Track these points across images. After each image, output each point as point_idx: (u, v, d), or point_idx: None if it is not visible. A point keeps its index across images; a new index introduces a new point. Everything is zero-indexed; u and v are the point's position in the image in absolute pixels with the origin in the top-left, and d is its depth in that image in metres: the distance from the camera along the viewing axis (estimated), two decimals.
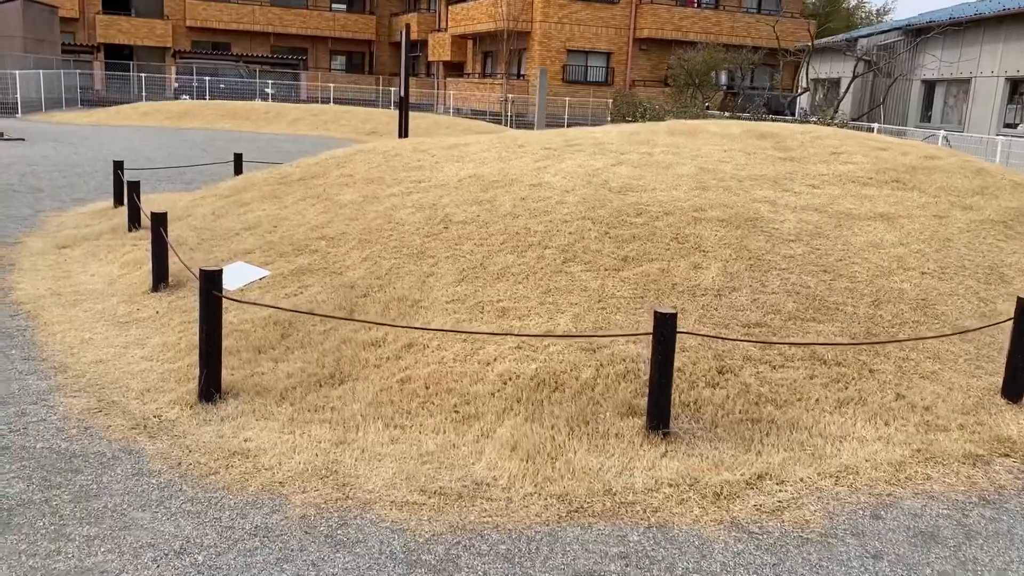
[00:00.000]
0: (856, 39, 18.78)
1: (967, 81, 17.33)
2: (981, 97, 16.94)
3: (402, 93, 14.34)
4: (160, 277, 6.53)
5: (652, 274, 5.56)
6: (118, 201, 10.12)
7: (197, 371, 4.93)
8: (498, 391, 4.57)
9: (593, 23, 36.26)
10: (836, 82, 19.23)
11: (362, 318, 5.44)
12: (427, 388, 4.67)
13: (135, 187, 8.24)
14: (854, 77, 18.49)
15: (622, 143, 8.23)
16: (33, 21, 30.83)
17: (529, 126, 33.84)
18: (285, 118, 27.50)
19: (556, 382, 4.63)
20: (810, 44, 19.15)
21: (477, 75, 41.33)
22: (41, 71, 29.78)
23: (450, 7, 41.89)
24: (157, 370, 5.08)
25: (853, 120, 17.69)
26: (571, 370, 4.70)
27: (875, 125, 16.14)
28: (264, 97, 35.88)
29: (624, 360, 4.75)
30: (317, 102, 36.39)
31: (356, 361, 5.02)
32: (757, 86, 26.60)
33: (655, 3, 36.43)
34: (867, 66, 18.92)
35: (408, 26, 13.55)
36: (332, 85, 39.72)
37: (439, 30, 45.52)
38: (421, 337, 5.15)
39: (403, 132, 13.81)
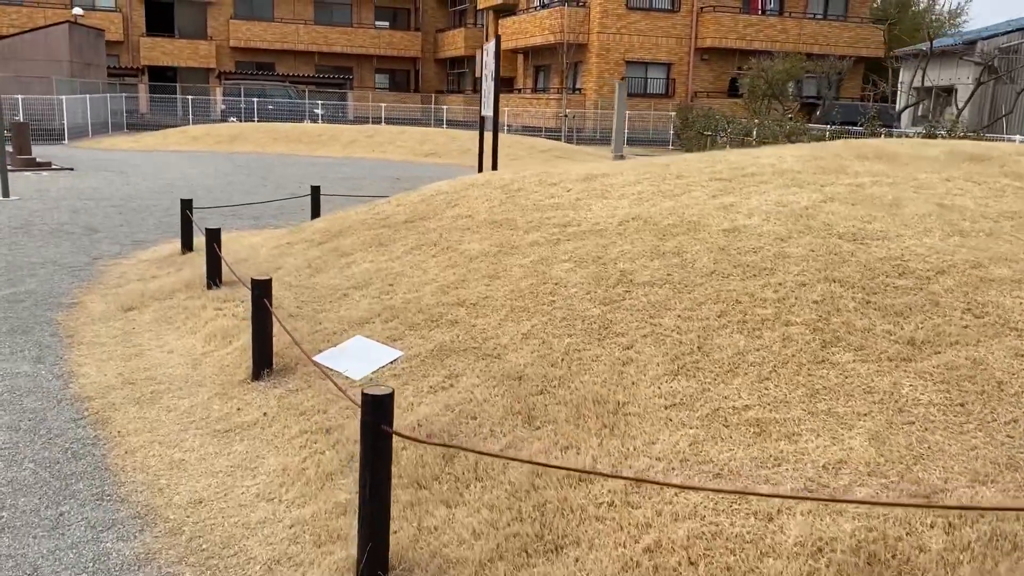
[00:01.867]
0: (975, 42, 17.08)
1: None
2: None
3: (488, 111, 12.89)
4: (263, 361, 5.07)
5: (960, 366, 3.96)
6: (186, 246, 8.75)
7: (340, 522, 3.44)
8: (812, 574, 3.00)
9: (653, 33, 34.73)
10: (947, 90, 17.48)
11: (598, 470, 3.91)
12: (693, 564, 3.12)
13: (215, 235, 6.82)
14: (979, 84, 16.72)
15: (809, 170, 6.64)
16: (80, 45, 30.03)
17: (588, 142, 32.34)
18: (339, 140, 26.28)
19: (893, 555, 3.05)
20: (927, 47, 17.38)
21: (529, 90, 39.97)
22: (88, 96, 28.92)
23: (500, 21, 40.63)
24: (283, 519, 3.58)
25: (972, 132, 15.93)
26: (907, 534, 3.12)
27: (1017, 137, 14.37)
28: (314, 119, 34.81)
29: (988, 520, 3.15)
30: (367, 122, 35.21)
31: (565, 508, 3.48)
32: (839, 97, 24.81)
33: (718, 11, 34.79)
34: (990, 71, 17.16)
35: (499, 37, 12.11)
36: (383, 105, 38.56)
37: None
38: (651, 466, 3.61)
39: (494, 161, 12.33)
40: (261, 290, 4.96)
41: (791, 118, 23.21)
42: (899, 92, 19.94)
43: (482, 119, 14.36)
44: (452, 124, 37.88)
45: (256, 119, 33.32)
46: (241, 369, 5.23)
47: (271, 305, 4.97)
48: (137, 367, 5.48)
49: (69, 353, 5.78)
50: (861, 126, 18.05)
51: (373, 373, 4.84)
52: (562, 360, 4.51)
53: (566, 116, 31.96)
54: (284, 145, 25.92)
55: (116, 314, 6.69)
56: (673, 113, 32.40)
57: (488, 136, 12.29)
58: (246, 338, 5.60)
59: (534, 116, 36.42)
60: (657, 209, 6.13)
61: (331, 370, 4.90)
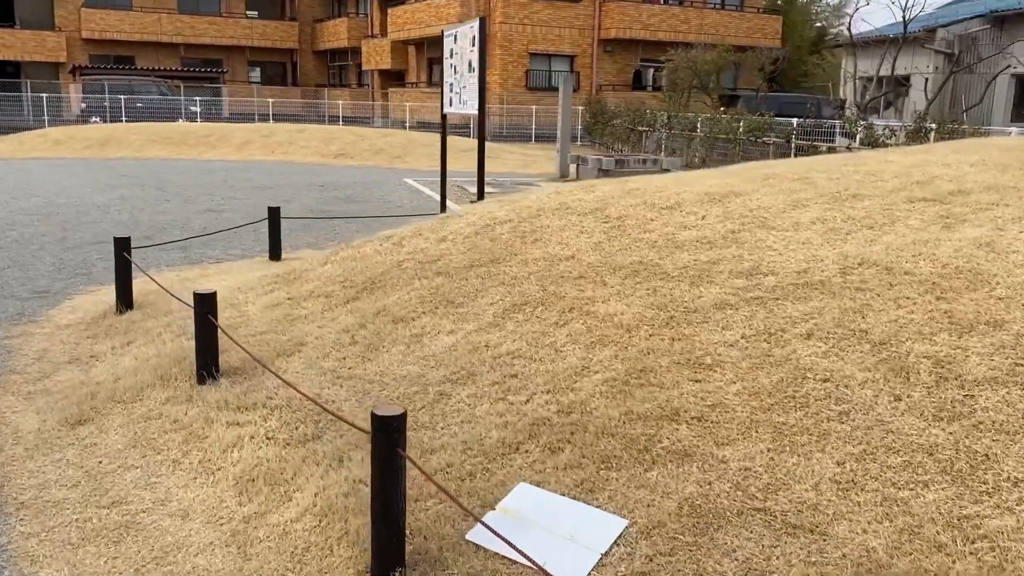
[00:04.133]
0: (935, 29, 16.36)
1: None
2: None
3: (454, 107, 10.81)
4: (389, 548, 2.91)
5: None
6: (124, 302, 6.29)
7: None
8: None
9: (556, 23, 33.21)
10: (900, 80, 16.66)
11: None
12: None
13: (207, 304, 4.53)
14: (952, 73, 15.96)
15: (986, 180, 5.00)
16: None
17: (496, 139, 30.42)
18: (229, 142, 23.30)
19: None
20: (899, 34, 16.38)
21: (424, 84, 37.68)
22: None
23: (390, 10, 38.11)
24: None
25: (903, 123, 15.12)
26: None
27: (1013, 129, 13.52)
28: (191, 117, 31.31)
29: None
30: (243, 120, 31.97)
31: None
32: (756, 89, 24.00)
33: (620, 0, 33.61)
34: (950, 60, 16.47)
35: (484, 20, 10.02)
36: (269, 100, 35.30)
37: (373, 36, 41.62)
38: None
39: (480, 177, 10.29)
40: (387, 432, 2.81)
41: (724, 110, 22.11)
42: (843, 82, 19.16)
43: (443, 117, 12.27)
44: (337, 121, 35.16)
45: (124, 119, 29.57)
46: (338, 558, 3.06)
47: (403, 451, 2.83)
48: (137, 561, 3.20)
49: (5, 537, 3.41)
50: (805, 118, 17.06)
51: (595, 571, 2.81)
52: (961, 545, 2.63)
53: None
54: (166, 148, 22.72)
55: (61, 434, 4.30)
56: (581, 108, 31.01)
57: (478, 139, 10.18)
58: (316, 484, 3.43)
59: (433, 111, 34.17)
60: (878, 248, 4.33)
61: (514, 563, 2.85)
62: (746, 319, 3.94)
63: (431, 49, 36.64)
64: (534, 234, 5.46)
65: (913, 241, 4.34)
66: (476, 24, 9.94)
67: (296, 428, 3.93)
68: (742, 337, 3.82)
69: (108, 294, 6.68)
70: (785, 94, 24.53)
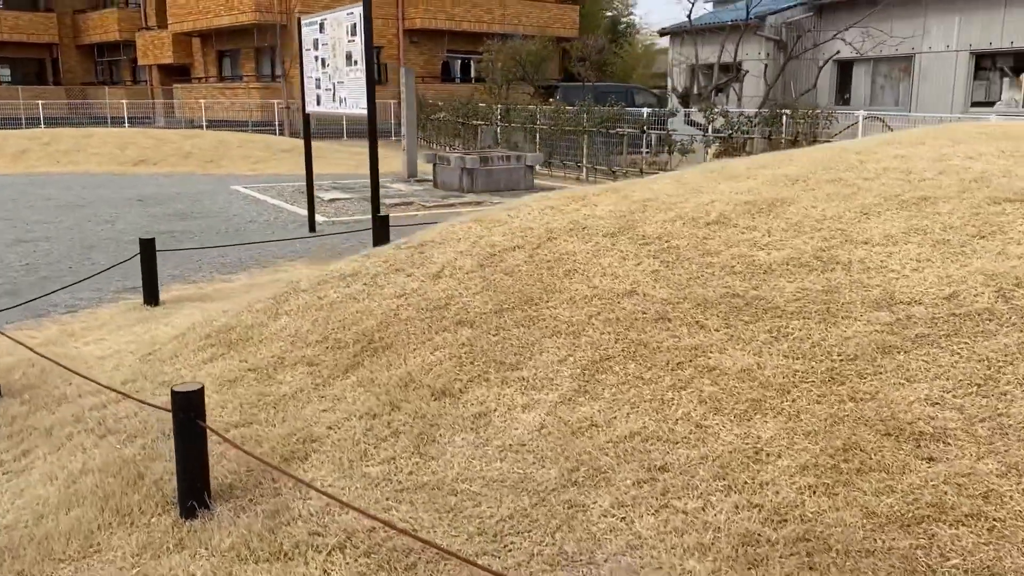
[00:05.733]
0: (765, 16, 16.73)
1: (907, 58, 15.92)
2: (933, 75, 15.60)
3: (323, 105, 9.47)
4: None
5: None
6: None
7: None
8: None
9: None
10: (729, 68, 16.94)
11: None
12: None
13: (193, 404, 3.16)
14: (788, 60, 16.34)
15: None
16: None
17: (314, 137, 28.40)
18: (3, 152, 19.95)
19: None
20: (741, 21, 16.51)
21: (214, 79, 34.75)
22: None
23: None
24: None
25: (759, 109, 15.49)
26: None
27: (886, 112, 13.91)
28: None
29: None
30: (15, 126, 27.89)
31: None
32: (582, 79, 23.92)
33: None
34: (779, 47, 16.92)
35: (368, 3, 8.66)
36: (40, 102, 30.92)
37: (149, 27, 37.81)
38: None
39: (374, 179, 9.05)
40: None
41: (552, 100, 21.79)
42: (671, 70, 19.36)
43: (306, 118, 10.81)
44: (107, 122, 31.59)
45: None
46: None
47: None
48: None
49: None
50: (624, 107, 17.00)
51: None
52: None
53: (287, 108, 27.81)
54: None
55: None
56: (393, 102, 29.74)
57: (370, 141, 8.84)
58: None
59: (230, 109, 31.55)
60: (1018, 264, 3.74)
61: None
62: (930, 365, 3.20)
63: (222, 41, 33.86)
64: (561, 264, 4.45)
65: None
66: (358, 10, 8.65)
67: None
68: (946, 391, 3.06)
69: None
70: (604, 84, 24.63)
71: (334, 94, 9.41)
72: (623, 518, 2.87)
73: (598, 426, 3.30)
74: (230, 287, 7.59)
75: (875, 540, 2.58)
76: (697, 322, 3.76)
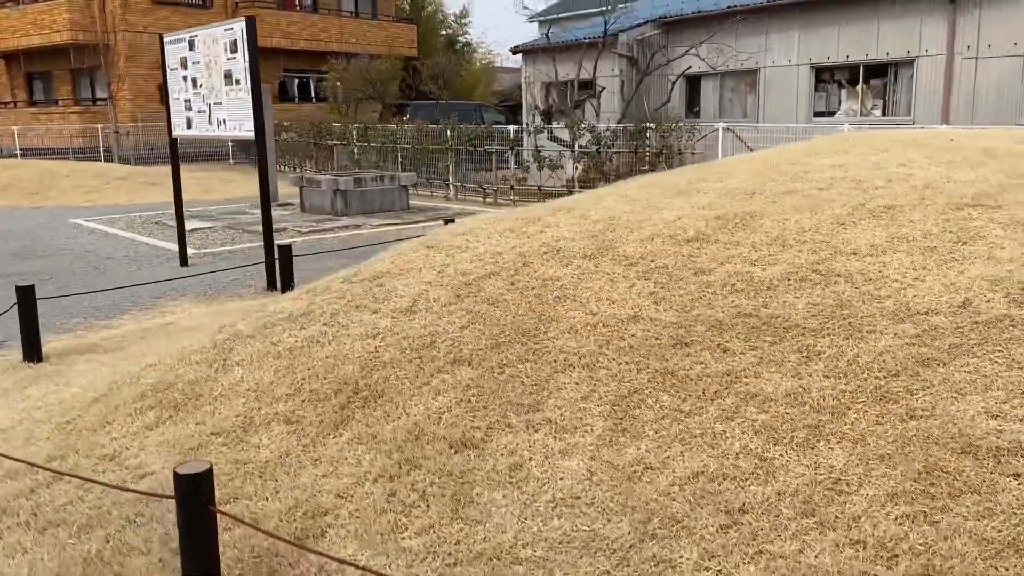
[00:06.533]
0: (617, 34, 17.06)
1: (753, 72, 16.69)
2: (778, 87, 16.41)
3: (201, 128, 8.76)
4: None
5: None
6: None
7: None
8: None
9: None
10: (586, 84, 17.22)
11: None
12: None
13: (203, 487, 2.64)
14: (644, 75, 16.68)
15: (976, 178, 4.86)
16: None
17: (135, 162, 26.53)
18: None
19: None
20: (599, 37, 16.68)
21: (23, 103, 31.87)
22: None
23: None
24: None
25: (626, 124, 15.89)
26: None
27: (720, 123, 14.35)
28: None
29: None
30: None
31: None
32: (436, 97, 23.74)
33: (256, 6, 31.32)
34: (631, 63, 17.31)
35: (252, 20, 7.93)
36: None
37: None
38: None
39: (264, 201, 8.37)
40: None
41: (406, 120, 21.44)
42: (526, 87, 19.45)
43: (173, 142, 9.92)
44: None
45: None
46: None
47: None
48: None
49: None
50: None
51: None
52: None
53: (117, 133, 25.77)
54: None
55: None
56: None
57: (259, 168, 8.17)
58: None
59: (46, 136, 28.97)
60: (1011, 268, 3.81)
61: None
62: (974, 375, 3.16)
63: (32, 62, 31.14)
64: (548, 290, 4.16)
65: None
66: (238, 25, 8.00)
67: None
68: (1001, 402, 3.02)
69: None
70: (457, 102, 24.54)
71: (210, 116, 8.67)
72: (719, 571, 2.62)
73: (653, 468, 3.04)
74: (117, 334, 6.76)
75: (998, 569, 2.46)
76: (719, 346, 3.58)
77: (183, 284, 8.87)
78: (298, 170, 21.45)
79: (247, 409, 3.80)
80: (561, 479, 3.06)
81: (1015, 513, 2.63)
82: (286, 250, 7.29)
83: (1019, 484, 2.72)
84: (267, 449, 3.52)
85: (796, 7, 15.63)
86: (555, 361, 3.66)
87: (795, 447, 3.02)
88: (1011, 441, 2.87)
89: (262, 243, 8.05)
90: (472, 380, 3.64)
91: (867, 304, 3.68)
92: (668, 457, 3.08)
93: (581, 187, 15.51)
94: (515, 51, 20.52)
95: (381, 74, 23.18)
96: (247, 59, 7.86)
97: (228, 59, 8.19)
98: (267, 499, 3.21)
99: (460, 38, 43.39)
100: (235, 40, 8.04)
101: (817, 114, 15.96)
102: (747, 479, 2.93)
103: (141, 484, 3.40)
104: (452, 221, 7.94)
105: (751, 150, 13.31)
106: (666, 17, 17.56)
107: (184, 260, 10.12)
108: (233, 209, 15.47)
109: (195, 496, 2.61)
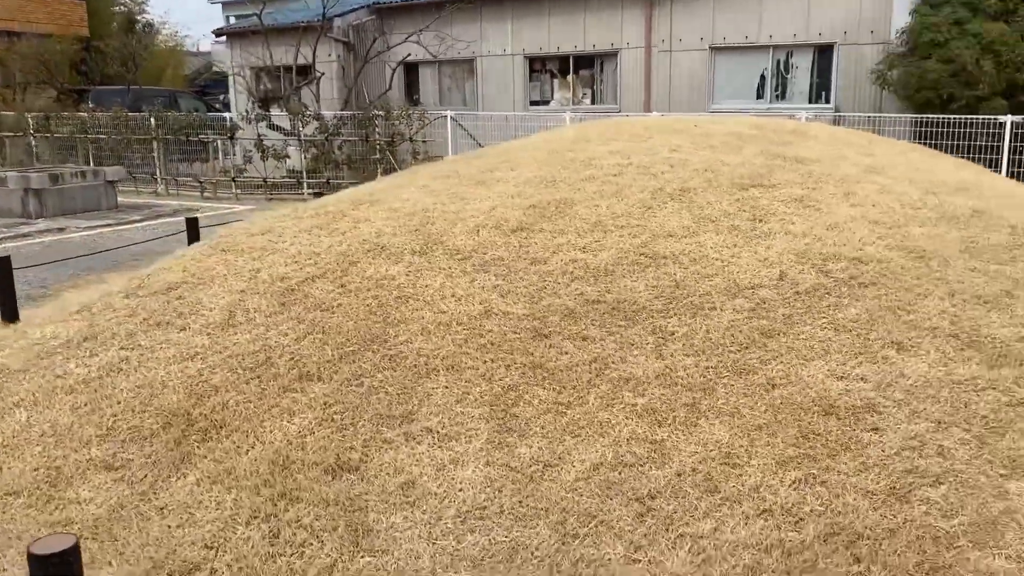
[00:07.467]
0: (332, 19, 16.42)
1: (470, 61, 16.85)
2: (494, 76, 16.71)
3: None
4: None
5: None
6: None
7: None
8: None
9: None
10: (303, 69, 16.53)
11: None
12: None
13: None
14: (365, 62, 16.16)
15: (737, 160, 5.40)
16: None
17: None
18: None
19: None
20: (302, 22, 15.76)
21: None
22: None
23: None
24: None
25: (349, 112, 15.56)
26: None
27: (448, 111, 14.31)
28: None
29: None
30: None
31: None
32: (128, 82, 21.49)
33: None
34: (348, 48, 16.79)
35: None
36: None
37: None
38: None
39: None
40: None
41: (90, 108, 19.23)
42: (234, 73, 18.20)
43: None
44: None
45: None
46: None
47: None
48: None
49: None
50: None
51: None
52: None
53: None
54: None
55: None
56: None
57: None
58: None
59: None
60: (814, 241, 4.21)
61: None
62: (812, 341, 3.45)
63: None
64: (385, 290, 3.90)
65: (836, 224, 4.33)
66: None
67: None
68: (840, 363, 3.33)
69: None
70: (148, 88, 22.40)
71: None
72: (650, 561, 2.61)
73: (552, 465, 2.97)
74: None
75: (886, 515, 2.71)
76: (578, 334, 3.58)
77: None
78: None
79: (49, 459, 3.15)
80: (461, 491, 2.88)
81: (884, 464, 2.90)
82: (5, 261, 6.16)
83: (880, 437, 3.02)
84: (92, 504, 2.94)
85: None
86: (416, 366, 3.44)
87: (679, 427, 3.10)
88: (862, 399, 3.17)
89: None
90: (329, 395, 3.31)
91: (700, 283, 3.87)
92: (563, 452, 3.02)
93: (310, 177, 14.92)
94: (219, 33, 19.16)
95: (55, 55, 20.51)
96: None
97: None
98: (112, 563, 2.68)
99: (140, 17, 39.77)
100: None
101: (533, 103, 16.70)
102: (645, 464, 2.96)
103: None
104: (196, 220, 7.23)
105: (480, 145, 13.61)
106: (379, 3, 17.35)
107: None
108: None
109: None
